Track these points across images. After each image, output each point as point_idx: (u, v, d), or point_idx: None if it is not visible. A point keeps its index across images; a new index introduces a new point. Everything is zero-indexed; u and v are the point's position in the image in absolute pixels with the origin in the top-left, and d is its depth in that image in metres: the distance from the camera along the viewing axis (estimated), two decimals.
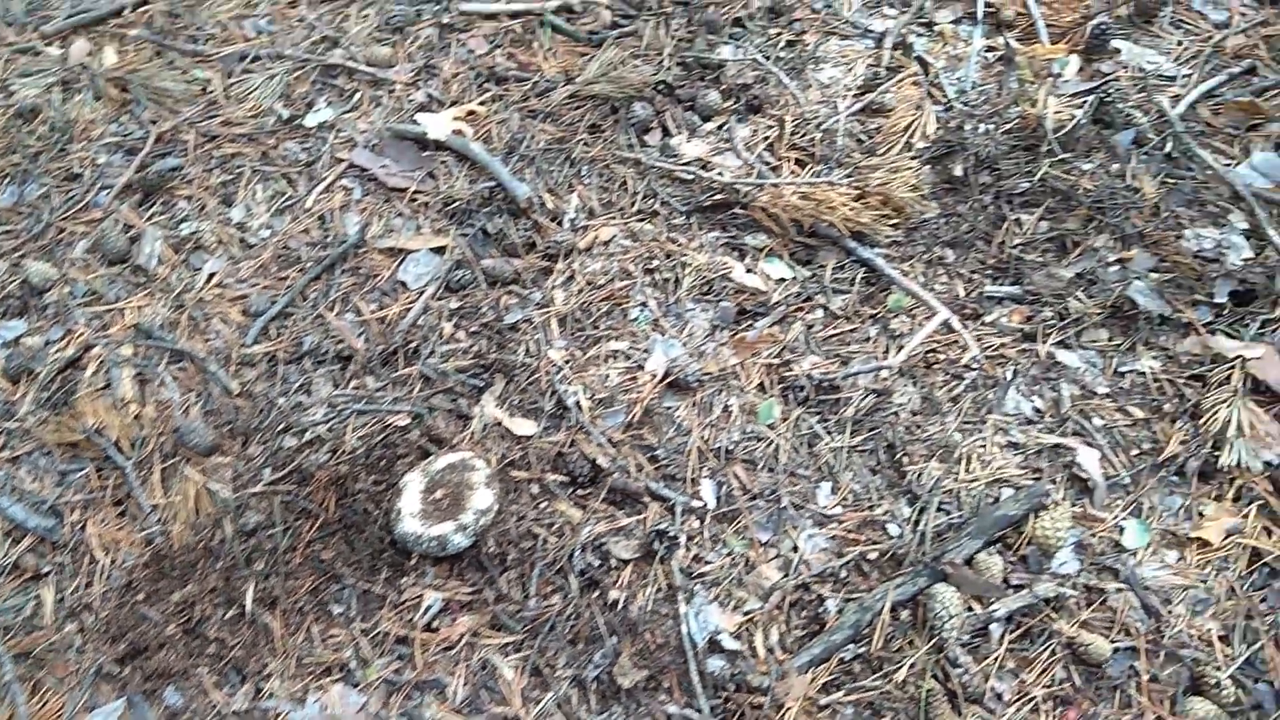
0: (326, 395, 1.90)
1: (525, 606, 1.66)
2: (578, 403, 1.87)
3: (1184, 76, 2.30)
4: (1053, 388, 1.87)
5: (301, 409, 1.88)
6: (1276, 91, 2.26)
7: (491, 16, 2.50)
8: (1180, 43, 2.38)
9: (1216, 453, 1.75)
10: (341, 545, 1.73)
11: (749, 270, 2.05)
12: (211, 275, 2.09)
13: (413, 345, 1.95)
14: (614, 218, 2.14)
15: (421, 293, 2.03)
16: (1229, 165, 2.12)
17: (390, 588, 1.68)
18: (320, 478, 1.77)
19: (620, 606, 1.66)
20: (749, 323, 1.99)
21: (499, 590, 1.67)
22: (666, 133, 2.28)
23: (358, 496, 1.76)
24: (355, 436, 1.83)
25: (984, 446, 1.80)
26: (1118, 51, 2.34)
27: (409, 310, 2.00)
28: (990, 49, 2.36)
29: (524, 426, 1.86)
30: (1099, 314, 1.93)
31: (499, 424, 1.86)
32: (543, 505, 1.77)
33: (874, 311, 2.00)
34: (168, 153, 2.27)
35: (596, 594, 1.67)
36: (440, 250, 2.09)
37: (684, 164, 2.20)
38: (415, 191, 2.18)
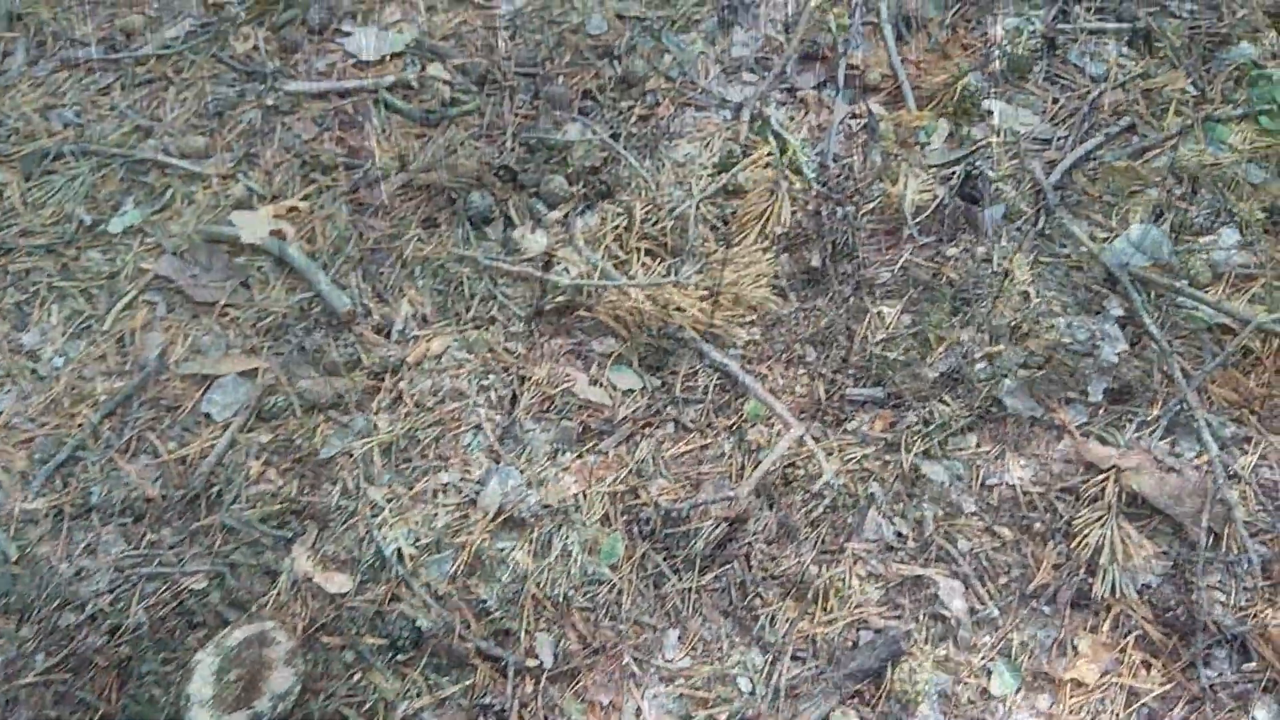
0: (115, 557, 1.69)
1: None
2: (398, 551, 1.68)
3: (1060, 138, 2.16)
4: (916, 506, 1.71)
5: (84, 576, 1.67)
6: (1156, 151, 2.14)
7: (321, 96, 2.29)
8: (1056, 100, 2.24)
9: (1090, 579, 1.60)
10: None
11: (593, 382, 1.88)
12: None
13: (215, 490, 1.75)
14: (448, 325, 1.95)
15: (228, 425, 1.83)
16: (1105, 240, 1.98)
17: None
18: (100, 662, 1.56)
19: None
20: (593, 442, 1.82)
21: None
22: (510, 223, 2.10)
23: (144, 680, 1.56)
24: (142, 608, 1.62)
25: (843, 580, 1.65)
26: (989, 113, 2.19)
27: (212, 447, 1.80)
28: (854, 116, 2.21)
29: (337, 583, 1.66)
30: (966, 417, 1.78)
31: (310, 580, 1.67)
32: (355, 677, 1.58)
33: (729, 422, 1.83)
34: None
35: None
36: (251, 374, 1.89)
37: (525, 260, 2.02)
38: (226, 305, 1.97)
